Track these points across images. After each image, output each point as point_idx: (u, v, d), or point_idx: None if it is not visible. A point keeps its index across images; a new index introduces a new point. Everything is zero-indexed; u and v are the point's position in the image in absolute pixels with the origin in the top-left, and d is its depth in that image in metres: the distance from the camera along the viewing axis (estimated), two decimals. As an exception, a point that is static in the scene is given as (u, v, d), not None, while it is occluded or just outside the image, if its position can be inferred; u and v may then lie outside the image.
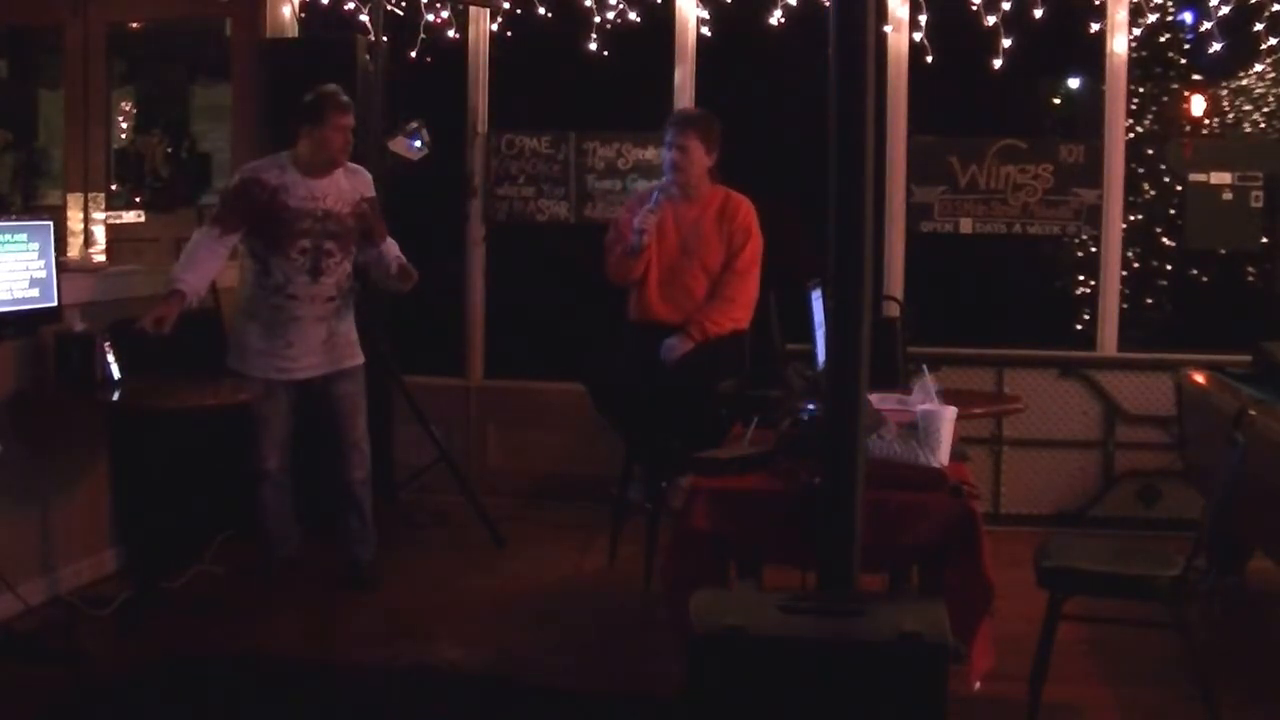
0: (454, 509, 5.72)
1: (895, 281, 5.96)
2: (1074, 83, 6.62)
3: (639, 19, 5.93)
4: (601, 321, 5.48)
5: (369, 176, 4.93)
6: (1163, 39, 6.27)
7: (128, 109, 7.44)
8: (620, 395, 5.12)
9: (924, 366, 4.20)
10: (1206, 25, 5.58)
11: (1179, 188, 6.35)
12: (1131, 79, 6.00)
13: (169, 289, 4.46)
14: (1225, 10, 5.53)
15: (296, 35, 6.28)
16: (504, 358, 6.45)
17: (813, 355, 4.52)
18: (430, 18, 6.08)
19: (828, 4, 2.96)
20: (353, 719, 3.79)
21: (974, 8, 5.58)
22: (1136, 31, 5.83)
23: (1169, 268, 6.66)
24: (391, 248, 4.95)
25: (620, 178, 6.13)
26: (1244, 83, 6.44)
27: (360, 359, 4.87)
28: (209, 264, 4.58)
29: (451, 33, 6.15)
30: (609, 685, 3.99)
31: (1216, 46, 5.57)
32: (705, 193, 5.15)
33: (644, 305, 5.21)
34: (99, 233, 6.83)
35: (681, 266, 5.15)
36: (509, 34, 6.20)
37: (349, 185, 4.78)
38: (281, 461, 4.81)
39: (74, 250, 6.65)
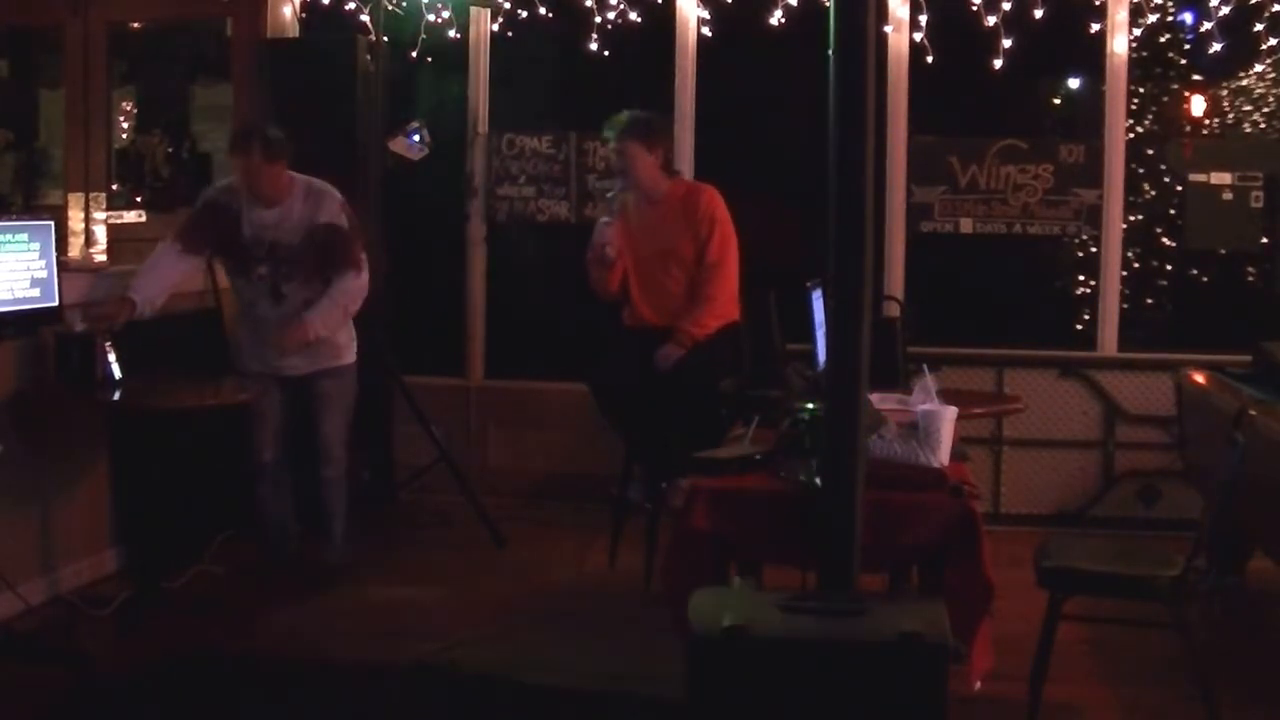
0: (454, 509, 5.72)
1: (895, 281, 5.96)
2: (1074, 83, 6.62)
3: (639, 19, 5.93)
4: (602, 322, 5.48)
5: (335, 201, 4.66)
6: (1163, 39, 6.26)
7: (128, 109, 7.43)
8: (621, 396, 5.12)
9: (924, 366, 4.20)
10: (1206, 25, 5.58)
11: (1179, 188, 6.35)
12: (1131, 79, 6.00)
13: (121, 295, 4.52)
14: (1225, 10, 5.53)
15: (297, 35, 6.29)
16: (504, 358, 6.45)
17: (813, 355, 4.52)
18: (430, 18, 6.08)
19: (828, 4, 2.97)
20: (352, 719, 3.79)
21: (974, 8, 5.58)
22: (1137, 31, 5.83)
23: (1169, 268, 6.65)
24: (335, 291, 4.58)
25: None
26: (1244, 83, 6.44)
27: (347, 360, 4.85)
28: (166, 277, 4.63)
29: (452, 33, 6.15)
30: (609, 685, 3.99)
31: (1216, 47, 5.57)
32: (666, 190, 5.13)
33: (633, 311, 5.24)
34: (100, 232, 6.83)
35: (656, 267, 5.15)
36: (509, 34, 6.20)
37: (303, 211, 4.63)
38: (277, 455, 4.84)
39: (75, 250, 6.65)
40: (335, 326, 4.57)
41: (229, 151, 4.61)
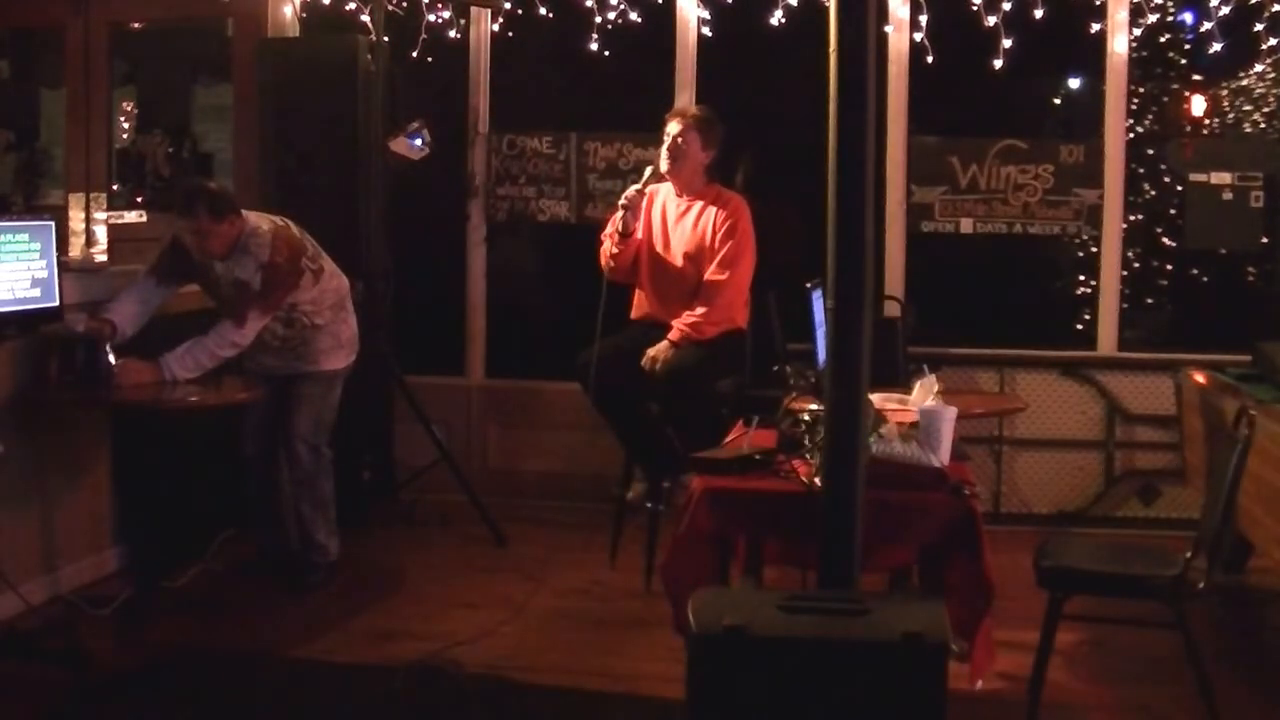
0: (455, 508, 5.72)
1: (895, 281, 5.97)
2: (1074, 83, 6.62)
3: (639, 19, 5.94)
4: (601, 322, 5.48)
5: (256, 256, 4.55)
6: (1163, 39, 6.26)
7: (129, 109, 7.43)
8: (616, 394, 5.13)
9: (925, 366, 4.21)
10: (1206, 25, 5.58)
11: (1179, 188, 6.35)
12: (1131, 79, 6.00)
13: (101, 315, 4.51)
14: (1225, 10, 5.53)
15: (297, 35, 6.30)
16: (504, 358, 6.46)
17: (813, 355, 4.53)
18: (431, 18, 6.08)
19: (828, 4, 2.97)
20: (352, 719, 3.79)
21: (974, 8, 5.59)
22: (1137, 31, 5.83)
23: (1169, 268, 6.66)
24: (210, 335, 4.51)
25: (621, 178, 6.13)
26: (1244, 83, 6.44)
27: (325, 366, 4.85)
28: (141, 305, 4.63)
29: (452, 33, 6.15)
30: (609, 685, 4.00)
31: (1216, 46, 5.57)
32: (697, 189, 5.17)
33: (640, 303, 5.26)
34: (100, 232, 6.83)
35: (668, 262, 5.18)
36: (509, 34, 6.20)
37: (238, 262, 4.59)
38: (261, 449, 4.88)
39: (75, 250, 6.65)
40: (195, 370, 4.49)
41: (175, 214, 4.55)
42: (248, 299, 4.56)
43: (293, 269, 4.64)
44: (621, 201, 5.13)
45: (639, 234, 5.21)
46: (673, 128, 5.12)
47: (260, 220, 4.66)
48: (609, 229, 5.21)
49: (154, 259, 4.78)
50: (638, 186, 5.12)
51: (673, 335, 5.02)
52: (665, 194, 5.23)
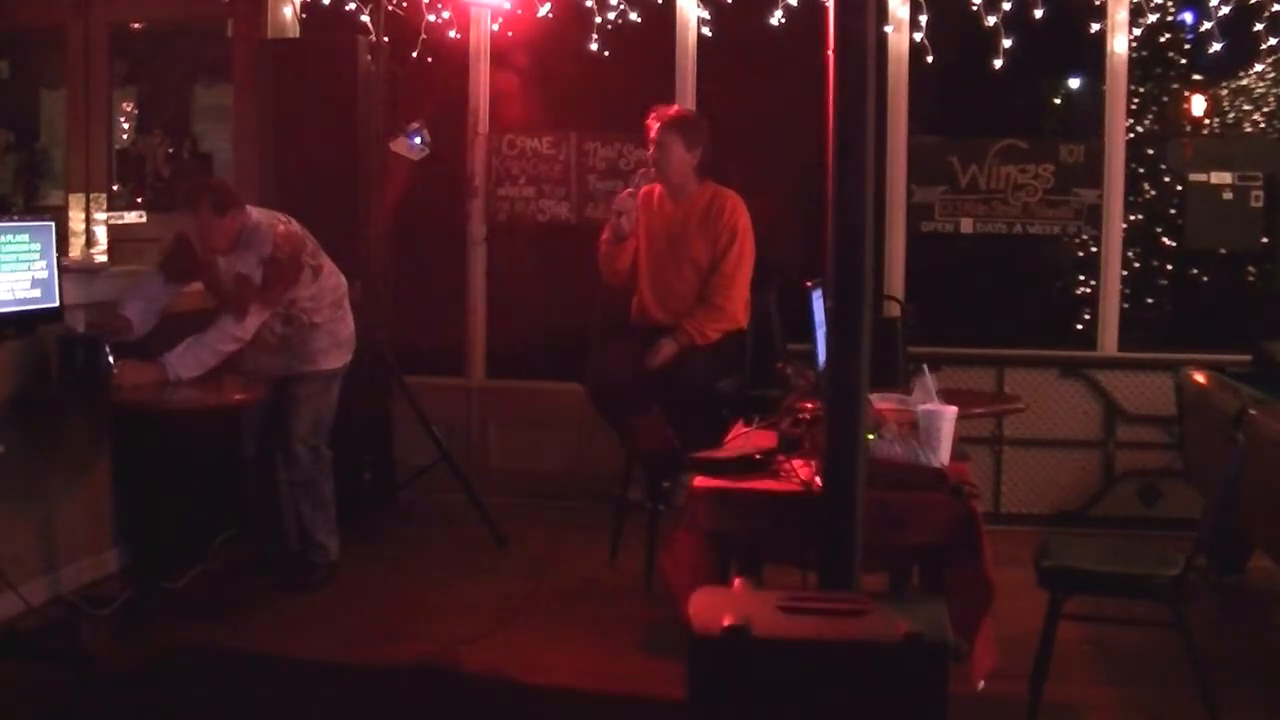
0: (455, 508, 5.72)
1: (895, 281, 5.97)
2: (1074, 83, 6.62)
3: (639, 19, 5.93)
4: (601, 322, 5.48)
5: (256, 255, 4.57)
6: (1163, 39, 6.26)
7: (129, 109, 7.43)
8: (617, 396, 5.13)
9: (924, 366, 4.21)
10: (1206, 25, 5.58)
11: (1179, 188, 6.34)
12: (1131, 79, 6.00)
13: (118, 312, 4.59)
14: (1225, 10, 5.53)
15: (297, 35, 6.30)
16: (505, 358, 6.46)
17: (813, 355, 4.53)
18: (431, 18, 6.08)
19: (828, 4, 2.97)
20: (352, 719, 3.79)
21: (974, 8, 5.59)
22: (1137, 31, 5.83)
23: (1169, 268, 6.65)
24: (210, 331, 4.54)
25: (621, 178, 6.12)
26: (1244, 83, 6.43)
27: (322, 365, 4.85)
28: (150, 302, 4.68)
29: (452, 33, 6.15)
30: (609, 685, 4.00)
31: (1216, 46, 5.57)
32: (691, 190, 5.17)
33: (640, 305, 5.26)
34: (100, 233, 6.83)
35: (668, 264, 5.18)
36: (509, 34, 6.20)
37: (235, 258, 4.62)
38: (260, 450, 4.89)
39: (75, 251, 6.65)
40: (198, 368, 4.51)
41: (178, 208, 4.60)
42: (249, 293, 4.57)
43: (293, 264, 4.65)
44: (615, 208, 5.14)
45: (635, 235, 5.21)
46: (653, 133, 5.12)
47: (262, 216, 4.68)
48: (606, 231, 5.21)
49: (160, 257, 4.80)
50: (629, 191, 5.14)
51: (681, 341, 5.03)
52: (662, 194, 5.23)
